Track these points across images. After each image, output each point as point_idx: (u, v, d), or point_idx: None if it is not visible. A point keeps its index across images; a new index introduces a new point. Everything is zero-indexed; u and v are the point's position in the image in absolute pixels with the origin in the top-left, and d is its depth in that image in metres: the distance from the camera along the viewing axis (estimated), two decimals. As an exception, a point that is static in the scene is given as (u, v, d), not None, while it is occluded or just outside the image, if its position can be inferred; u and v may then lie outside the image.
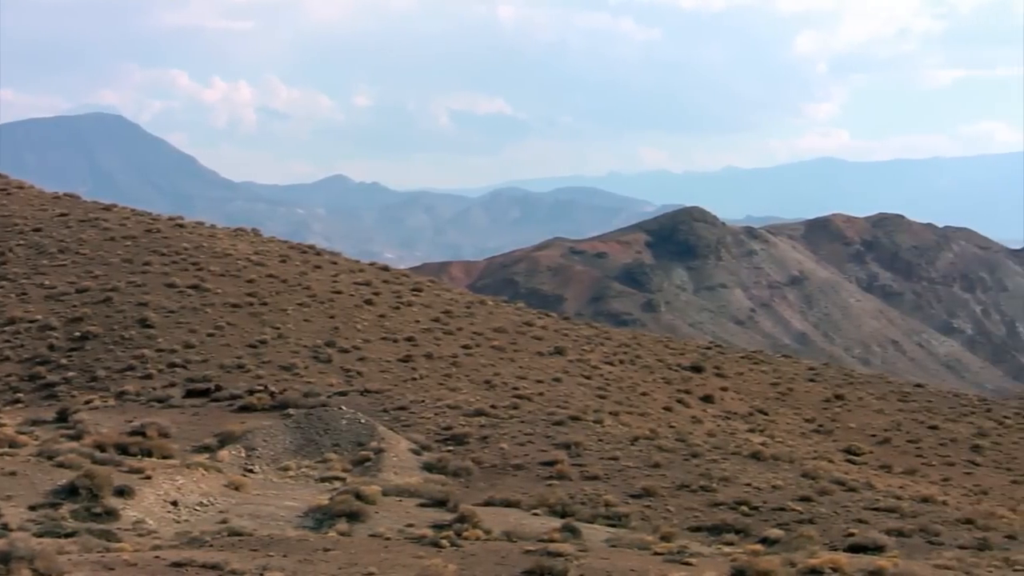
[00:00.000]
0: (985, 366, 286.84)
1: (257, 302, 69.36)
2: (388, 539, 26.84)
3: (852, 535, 32.81)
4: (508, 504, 34.48)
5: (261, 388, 50.83)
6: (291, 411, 45.16)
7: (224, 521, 28.63)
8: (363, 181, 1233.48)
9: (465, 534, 27.36)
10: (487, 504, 34.03)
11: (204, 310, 66.61)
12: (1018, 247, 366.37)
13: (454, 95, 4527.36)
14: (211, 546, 24.93)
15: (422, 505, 32.21)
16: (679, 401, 69.61)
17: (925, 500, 44.82)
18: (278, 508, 31.10)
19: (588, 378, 69.12)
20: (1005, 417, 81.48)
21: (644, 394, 69.12)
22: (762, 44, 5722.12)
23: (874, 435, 70.48)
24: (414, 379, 60.65)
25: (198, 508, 30.17)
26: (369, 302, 75.25)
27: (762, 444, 57.14)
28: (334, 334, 66.03)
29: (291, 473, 39.10)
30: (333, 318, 69.49)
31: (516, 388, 61.29)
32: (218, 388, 52.00)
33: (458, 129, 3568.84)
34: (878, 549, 30.18)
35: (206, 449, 40.33)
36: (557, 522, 30.76)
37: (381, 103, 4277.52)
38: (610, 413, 58.05)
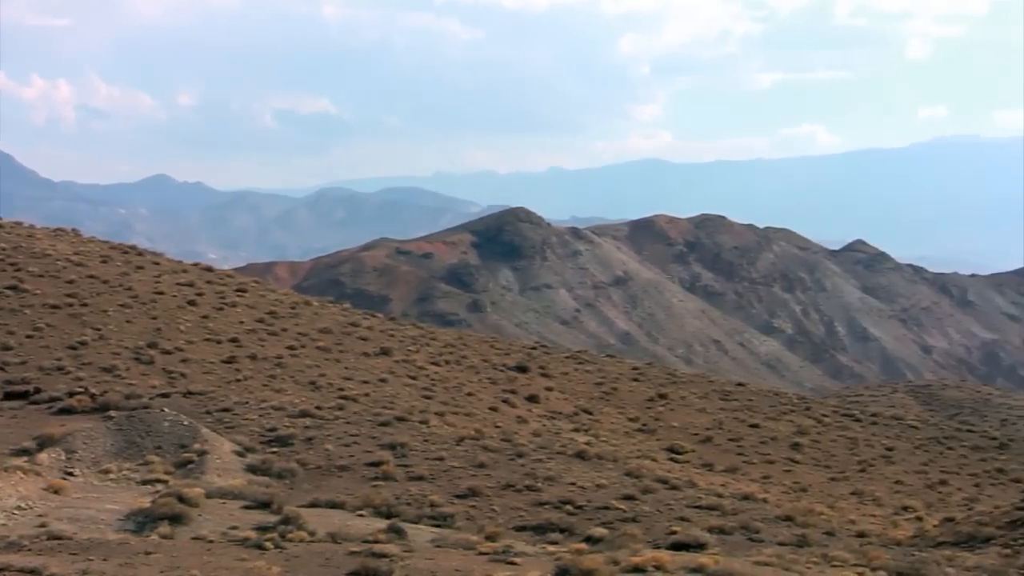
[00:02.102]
0: (805, 365, 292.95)
1: (77, 303, 68.08)
2: (211, 542, 26.66)
3: (675, 533, 33.28)
4: (333, 505, 34.40)
5: (81, 390, 49.79)
6: (112, 413, 44.47)
7: (43, 525, 28.10)
8: (186, 181, 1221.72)
9: (289, 536, 27.27)
10: (312, 506, 33.91)
11: (22, 311, 65.19)
12: (837, 248, 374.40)
13: (278, 94, 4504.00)
14: (30, 550, 24.53)
15: (246, 507, 31.96)
16: (504, 401, 69.91)
17: (746, 498, 45.81)
18: (99, 511, 30.65)
19: (414, 379, 69.12)
20: (823, 415, 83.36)
21: (470, 394, 69.35)
22: (587, 46, 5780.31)
23: (696, 434, 71.60)
24: (238, 380, 60.16)
25: (16, 512, 29.57)
26: (192, 303, 74.41)
27: (587, 443, 57.77)
28: (156, 335, 65.13)
29: (112, 476, 38.57)
30: (155, 319, 68.56)
31: (341, 389, 61.13)
32: (37, 390, 50.85)
33: (282, 128, 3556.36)
34: (700, 547, 30.69)
35: (24, 452, 39.51)
36: (382, 523, 30.79)
37: (204, 102, 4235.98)
38: (436, 413, 58.17)
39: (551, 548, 29.59)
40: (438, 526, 33.34)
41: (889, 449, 74.01)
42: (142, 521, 29.53)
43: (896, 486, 64.77)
